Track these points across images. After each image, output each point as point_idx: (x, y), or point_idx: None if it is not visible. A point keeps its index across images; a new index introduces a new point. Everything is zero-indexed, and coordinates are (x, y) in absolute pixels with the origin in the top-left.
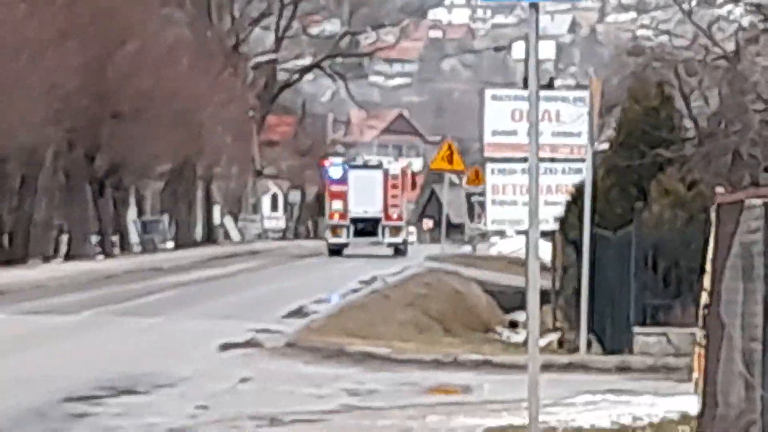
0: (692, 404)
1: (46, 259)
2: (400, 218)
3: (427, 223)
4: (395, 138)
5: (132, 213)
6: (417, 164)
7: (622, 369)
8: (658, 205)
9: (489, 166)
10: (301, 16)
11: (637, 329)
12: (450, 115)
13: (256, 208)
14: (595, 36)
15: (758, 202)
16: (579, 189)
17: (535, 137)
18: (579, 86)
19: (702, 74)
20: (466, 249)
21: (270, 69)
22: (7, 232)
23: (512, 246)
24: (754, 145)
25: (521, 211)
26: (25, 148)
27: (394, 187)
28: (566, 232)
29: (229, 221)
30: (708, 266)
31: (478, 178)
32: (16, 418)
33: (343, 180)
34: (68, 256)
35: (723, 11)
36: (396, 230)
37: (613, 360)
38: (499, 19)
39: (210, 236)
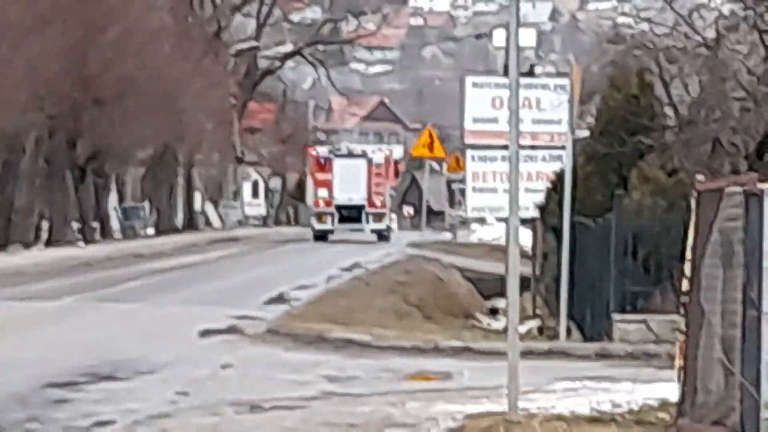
0: (672, 391)
1: (27, 245)
2: (383, 205)
3: (408, 210)
4: (376, 125)
5: (113, 199)
6: (398, 151)
7: (602, 356)
8: (638, 193)
9: (469, 153)
10: (282, 3)
11: (616, 316)
12: (431, 102)
13: (236, 194)
14: (575, 24)
15: (738, 189)
16: (559, 176)
17: (515, 125)
18: (559, 74)
19: (682, 62)
20: (447, 236)
21: (251, 56)
22: None
23: (492, 233)
24: (734, 133)
25: (501, 198)
26: (6, 134)
27: (378, 175)
28: (546, 219)
29: (209, 208)
30: (688, 253)
31: (458, 165)
32: None
33: (328, 168)
34: (49, 243)
35: None
36: (379, 217)
37: (593, 347)
38: (480, 6)
39: (191, 223)
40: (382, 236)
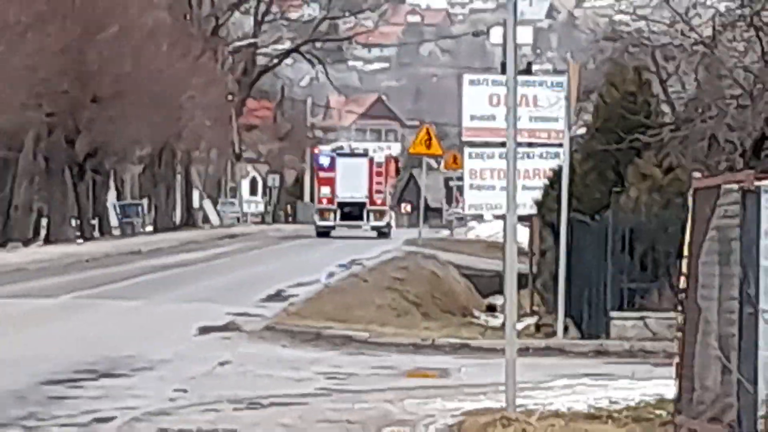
0: (669, 388)
1: (26, 242)
2: (384, 203)
3: (405, 207)
4: (374, 122)
5: (111, 196)
6: (395, 148)
7: (599, 353)
8: (635, 190)
9: (467, 150)
10: (280, 0)
11: (614, 313)
12: (428, 99)
13: (235, 191)
14: (572, 21)
15: (735, 187)
16: (556, 173)
17: (513, 122)
18: (556, 71)
19: (679, 59)
20: (444, 233)
21: (249, 53)
22: None
23: (490, 230)
24: (730, 131)
25: (499, 195)
26: (5, 132)
27: (379, 174)
28: (544, 216)
29: (208, 205)
30: (685, 251)
31: (456, 162)
32: None
33: (331, 167)
34: (48, 240)
35: None
36: (380, 214)
37: (590, 344)
38: (478, 4)
39: (189, 220)
40: (383, 233)
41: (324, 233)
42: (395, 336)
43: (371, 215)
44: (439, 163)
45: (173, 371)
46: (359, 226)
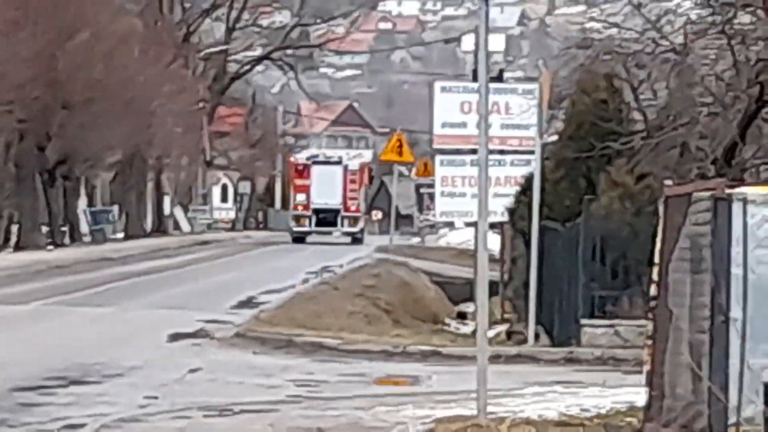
0: (640, 395)
1: None
2: (357, 210)
3: (376, 214)
4: (345, 129)
5: (82, 203)
6: (367, 155)
7: (570, 360)
8: (606, 197)
9: (438, 157)
10: (251, 7)
11: (584, 321)
12: (400, 106)
13: (206, 198)
14: (544, 28)
15: (706, 195)
16: (528, 181)
17: (484, 129)
18: (528, 78)
19: (651, 67)
20: (415, 240)
21: (220, 60)
22: None
23: (461, 237)
24: (702, 138)
25: (470, 202)
26: None
27: (353, 181)
28: (515, 223)
29: (179, 212)
30: (656, 258)
31: (427, 169)
32: None
33: (306, 174)
34: (18, 246)
35: (672, 4)
36: (354, 220)
37: (562, 351)
38: (449, 11)
39: (160, 227)
40: (356, 239)
41: (299, 239)
42: (366, 343)
43: (345, 221)
44: (410, 171)
45: (144, 378)
46: (334, 233)
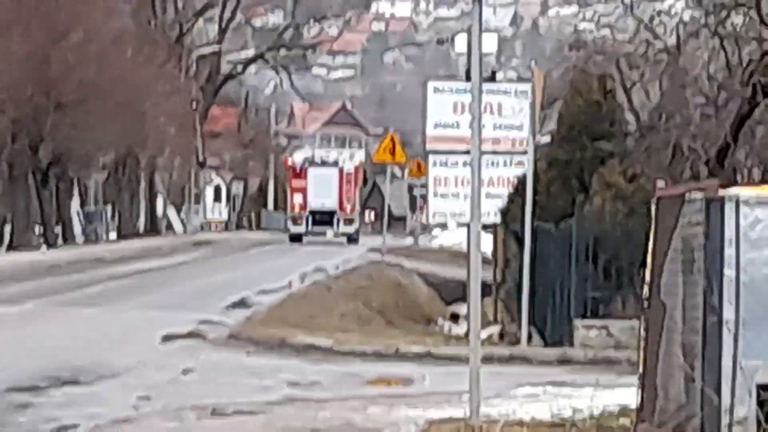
0: (633, 397)
1: None
2: (353, 210)
3: (369, 215)
4: (338, 130)
5: (75, 203)
6: (359, 156)
7: (563, 361)
8: (599, 198)
9: (431, 158)
10: (244, 7)
11: (577, 322)
12: (392, 107)
13: (199, 199)
14: (537, 29)
15: (699, 195)
16: (521, 182)
17: (477, 130)
18: (521, 79)
19: (643, 68)
20: (408, 241)
21: (213, 60)
22: None
23: (454, 238)
24: (694, 139)
25: (463, 203)
26: None
27: (348, 182)
28: (508, 224)
29: (172, 212)
30: (648, 259)
31: (420, 170)
32: None
33: (303, 176)
34: (11, 247)
35: (664, 5)
36: (349, 221)
37: (554, 352)
38: (442, 11)
39: (153, 227)
40: (352, 239)
41: (296, 239)
42: (359, 344)
43: (341, 222)
44: (403, 171)
45: (137, 379)
46: (330, 233)
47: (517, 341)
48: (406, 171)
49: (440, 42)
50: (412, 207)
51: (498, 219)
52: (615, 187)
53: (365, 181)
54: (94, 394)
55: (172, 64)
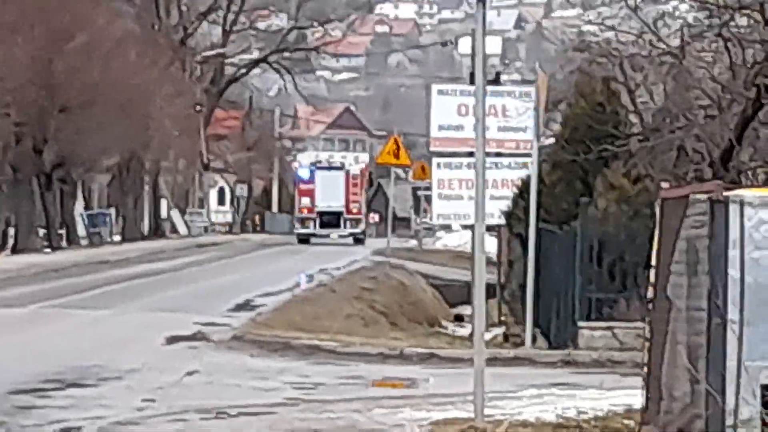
0: (637, 398)
1: None
2: (359, 212)
3: (373, 217)
4: (342, 132)
5: (79, 206)
6: (363, 158)
7: (567, 363)
8: (603, 200)
9: (435, 160)
10: (248, 10)
11: (582, 323)
12: (396, 109)
13: (203, 201)
14: (541, 31)
15: (703, 197)
16: (525, 183)
17: (481, 132)
18: (525, 81)
19: (647, 70)
20: (412, 243)
21: (217, 63)
22: None
23: (458, 240)
24: (698, 141)
25: (467, 205)
26: None
27: (354, 185)
28: (512, 226)
29: (176, 215)
30: (653, 261)
31: (424, 172)
32: None
33: (310, 179)
34: (15, 249)
35: (668, 7)
36: (356, 222)
37: (559, 354)
38: (446, 14)
39: (157, 230)
40: (359, 240)
41: (304, 240)
42: (363, 346)
43: (348, 223)
44: (407, 173)
45: (141, 381)
46: (337, 234)
47: (522, 343)
48: (410, 173)
49: (444, 44)
50: (416, 209)
51: (502, 221)
52: (619, 188)
53: (371, 183)
54: (99, 396)
55: (176, 67)
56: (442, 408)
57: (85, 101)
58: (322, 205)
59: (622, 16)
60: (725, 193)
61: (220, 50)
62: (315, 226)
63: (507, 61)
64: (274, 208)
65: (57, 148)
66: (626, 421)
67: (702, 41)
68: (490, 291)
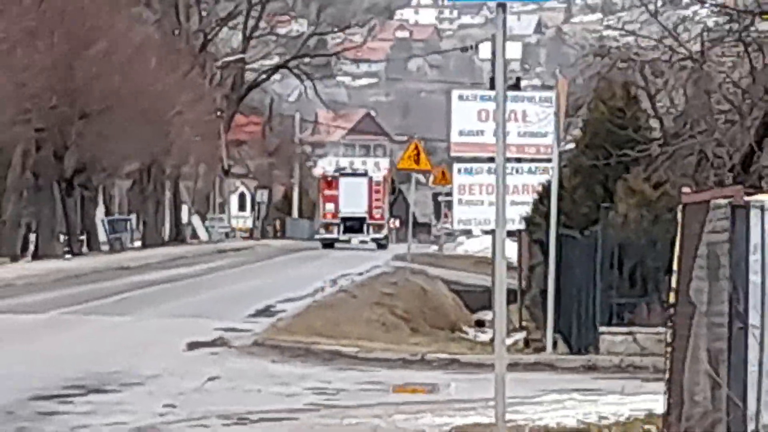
0: (658, 403)
1: (14, 258)
2: (381, 218)
3: (394, 223)
4: (362, 137)
5: (100, 212)
6: (383, 164)
7: (589, 368)
8: (624, 205)
9: (456, 165)
10: (268, 16)
11: (603, 328)
12: (417, 114)
13: (223, 207)
14: (561, 36)
15: (724, 202)
16: (545, 189)
17: (502, 137)
18: (545, 86)
19: (668, 75)
20: (433, 248)
21: (238, 69)
22: None
23: (478, 245)
24: (719, 146)
25: (488, 210)
26: None
27: (377, 191)
28: (532, 231)
29: (196, 220)
30: (674, 266)
31: (444, 177)
32: None
33: (335, 185)
34: (36, 255)
35: (689, 12)
36: (378, 227)
37: (580, 359)
38: (466, 19)
39: (177, 235)
40: (381, 245)
41: (328, 245)
42: (384, 351)
43: (371, 228)
44: (427, 179)
45: (162, 387)
46: (360, 239)
47: (543, 348)
48: (431, 178)
49: (464, 49)
50: (437, 214)
51: (522, 226)
52: (640, 194)
53: (393, 189)
54: (120, 402)
55: (196, 73)
56: (463, 413)
57: (105, 107)
58: (345, 210)
59: (642, 21)
60: (746, 198)
61: (241, 56)
62: (339, 231)
63: (527, 66)
64: (295, 213)
65: (78, 154)
66: (647, 427)
67: (722, 46)
68: (511, 296)
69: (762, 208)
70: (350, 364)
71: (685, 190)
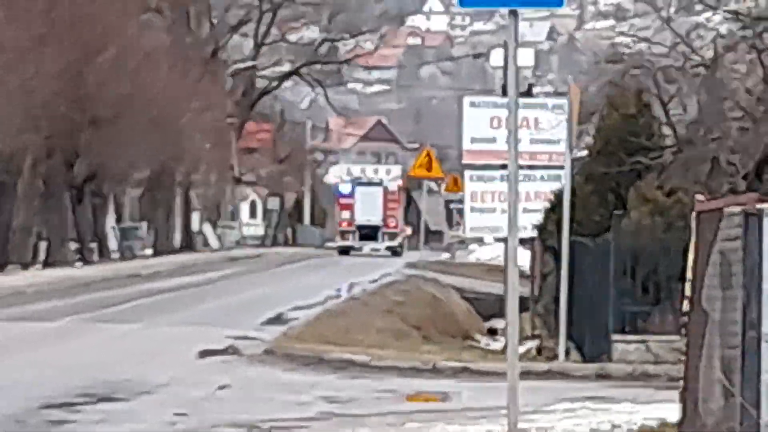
0: (672, 411)
1: (25, 265)
2: (396, 226)
3: (406, 230)
4: (374, 145)
5: (111, 220)
6: (395, 171)
7: (601, 376)
8: (636, 213)
9: (468, 173)
10: (279, 23)
11: (615, 337)
12: (429, 121)
13: (234, 215)
14: (573, 43)
15: (737, 209)
16: (557, 196)
17: (514, 144)
18: (557, 93)
19: (680, 81)
20: (445, 256)
21: (249, 76)
22: None
23: (491, 253)
24: (732, 153)
25: (500, 218)
26: (3, 155)
27: (392, 200)
28: (545, 239)
29: (207, 228)
30: (688, 274)
31: (456, 185)
32: None
33: (350, 194)
34: (47, 263)
35: (701, 19)
36: (393, 236)
37: (592, 367)
38: (478, 26)
39: (188, 243)
40: (396, 252)
41: (344, 252)
42: (396, 359)
43: (386, 236)
44: (439, 186)
45: (173, 395)
46: (375, 247)
47: (555, 356)
48: (443, 186)
49: (476, 56)
50: (449, 221)
51: (535, 233)
52: (652, 201)
53: (408, 198)
54: (131, 410)
55: (207, 80)
56: (475, 422)
57: (115, 114)
58: (361, 219)
59: (655, 28)
60: (759, 206)
61: (252, 63)
62: (354, 238)
63: (539, 73)
64: (306, 221)
65: (88, 161)
66: None
67: (735, 53)
68: (524, 304)
69: None
70: (362, 373)
71: (698, 197)
